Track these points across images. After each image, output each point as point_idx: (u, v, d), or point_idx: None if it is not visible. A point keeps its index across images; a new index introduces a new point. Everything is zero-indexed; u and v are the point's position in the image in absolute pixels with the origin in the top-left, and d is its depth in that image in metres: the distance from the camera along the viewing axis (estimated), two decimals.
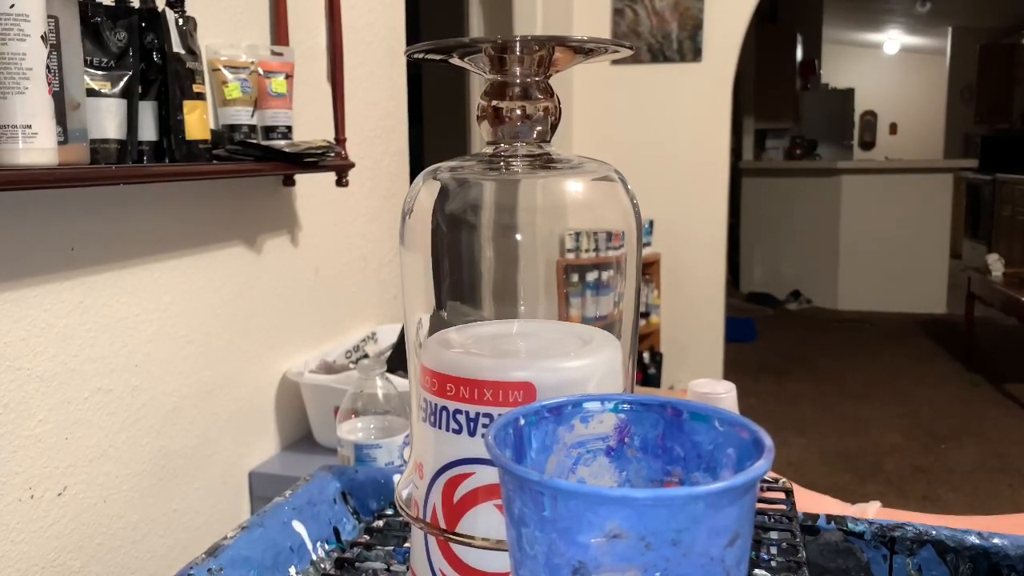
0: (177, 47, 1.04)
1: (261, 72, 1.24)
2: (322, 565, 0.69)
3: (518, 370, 0.49)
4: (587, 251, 2.87)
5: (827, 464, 3.26)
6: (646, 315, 3.38)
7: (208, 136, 1.11)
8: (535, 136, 0.55)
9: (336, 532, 0.73)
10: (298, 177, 1.43)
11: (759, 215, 6.33)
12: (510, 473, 0.35)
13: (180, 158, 1.06)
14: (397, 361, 1.48)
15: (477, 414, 0.49)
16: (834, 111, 8.11)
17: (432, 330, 0.55)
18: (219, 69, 1.19)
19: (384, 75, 1.78)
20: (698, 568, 0.33)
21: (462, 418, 0.49)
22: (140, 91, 1.01)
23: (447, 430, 0.50)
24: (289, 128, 1.28)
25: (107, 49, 0.96)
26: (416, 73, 3.49)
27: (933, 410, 3.86)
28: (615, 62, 3.27)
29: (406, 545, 0.68)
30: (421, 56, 0.54)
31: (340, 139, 1.49)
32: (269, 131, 1.26)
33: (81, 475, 1.02)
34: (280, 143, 1.24)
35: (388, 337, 1.68)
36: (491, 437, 0.38)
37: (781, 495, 0.70)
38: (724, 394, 0.85)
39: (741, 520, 0.34)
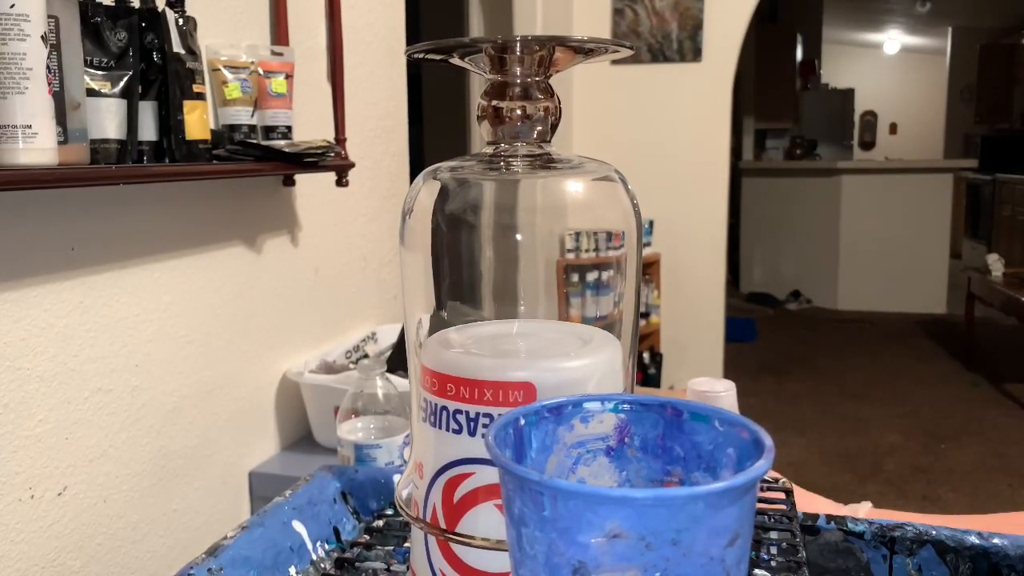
0: (177, 47, 1.04)
1: (261, 72, 1.24)
2: (322, 565, 0.69)
3: (518, 370, 0.49)
4: (587, 251, 2.87)
5: (827, 464, 3.26)
6: (646, 315, 3.38)
7: (208, 136, 1.11)
8: (535, 136, 0.55)
9: (336, 532, 0.73)
10: (298, 177, 1.43)
11: (759, 215, 6.33)
12: (510, 473, 0.35)
13: (180, 158, 1.06)
14: (397, 361, 1.48)
15: (477, 414, 0.49)
16: (834, 111, 8.11)
17: (432, 330, 0.55)
18: (219, 69, 1.19)
19: (384, 75, 1.78)
20: (698, 568, 0.33)
21: (462, 418, 0.50)
22: (140, 91, 1.01)
23: (447, 430, 0.50)
24: (289, 128, 1.28)
25: (107, 49, 0.96)
26: (416, 73, 3.49)
27: (933, 410, 3.86)
28: (615, 62, 3.27)
29: (406, 545, 0.68)
30: (421, 56, 0.54)
31: (340, 139, 1.49)
32: (269, 131, 1.26)
33: (81, 475, 1.02)
34: (280, 143, 1.24)
35: (388, 337, 1.68)
36: (491, 437, 0.38)
37: (781, 495, 0.70)
38: (723, 392, 0.85)
39: (741, 520, 0.34)
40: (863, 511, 0.79)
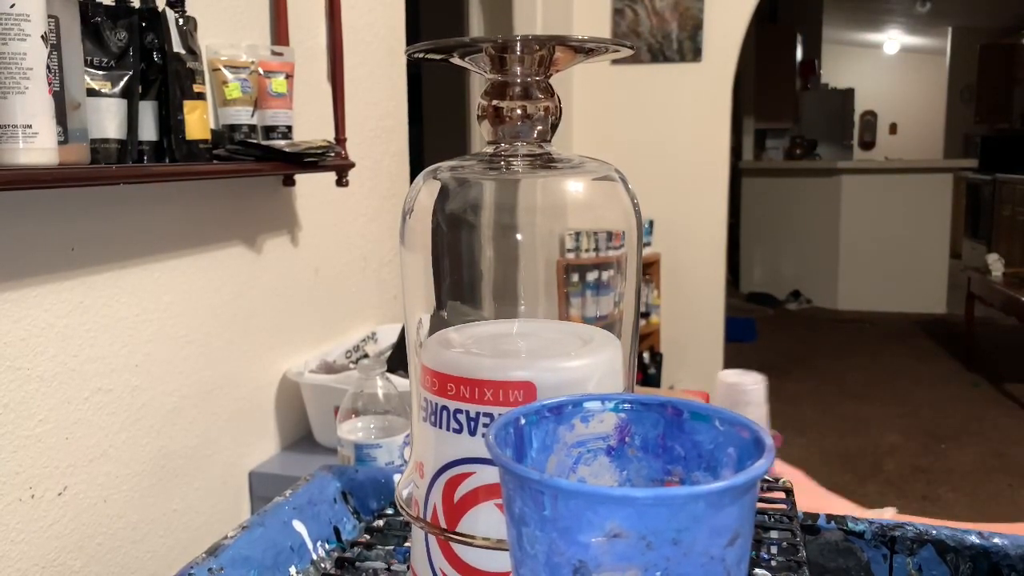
0: (177, 47, 1.04)
1: (261, 72, 1.24)
2: (322, 565, 0.69)
3: (518, 370, 0.49)
4: (587, 251, 2.87)
5: (827, 464, 3.26)
6: (646, 315, 3.38)
7: (208, 136, 1.11)
8: (535, 136, 0.55)
9: (336, 532, 0.73)
10: (298, 177, 1.43)
11: (759, 215, 6.33)
12: (510, 472, 0.35)
13: (180, 158, 1.06)
14: (397, 361, 1.48)
15: (477, 414, 0.49)
16: (834, 111, 8.12)
17: (432, 330, 0.55)
18: (219, 69, 1.19)
19: (384, 75, 1.78)
20: (698, 567, 0.33)
21: (462, 418, 0.50)
22: (140, 91, 1.01)
23: (447, 430, 0.50)
24: (289, 128, 1.28)
25: (107, 49, 0.96)
26: (416, 73, 3.49)
27: (933, 410, 3.86)
28: (615, 62, 3.27)
29: (406, 545, 0.68)
30: (421, 56, 0.54)
31: (340, 139, 1.49)
32: (269, 131, 1.26)
33: (81, 475, 1.02)
34: (280, 143, 1.24)
35: (388, 337, 1.68)
36: (491, 436, 0.38)
37: (781, 495, 0.70)
38: (753, 386, 0.84)
39: (742, 519, 0.34)
40: (887, 517, 0.79)
